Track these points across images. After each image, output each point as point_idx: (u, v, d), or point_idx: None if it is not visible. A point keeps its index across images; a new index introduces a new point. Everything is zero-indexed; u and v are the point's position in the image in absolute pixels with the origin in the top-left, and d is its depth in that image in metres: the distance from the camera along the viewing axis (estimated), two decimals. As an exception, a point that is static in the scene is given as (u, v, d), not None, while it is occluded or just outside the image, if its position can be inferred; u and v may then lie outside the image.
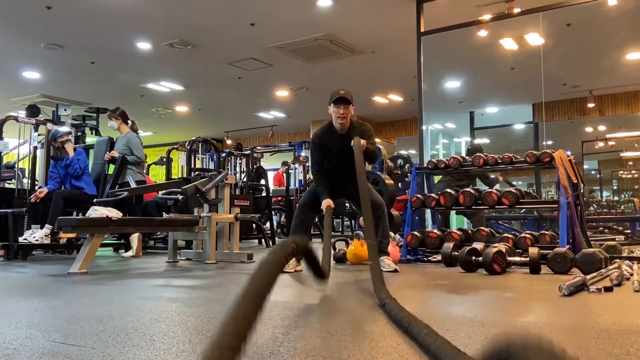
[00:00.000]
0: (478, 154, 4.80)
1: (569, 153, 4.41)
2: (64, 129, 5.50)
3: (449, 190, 4.62)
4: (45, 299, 2.56)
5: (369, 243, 2.80)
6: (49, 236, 4.76)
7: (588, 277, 2.76)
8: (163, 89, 10.00)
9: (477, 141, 9.05)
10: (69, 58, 8.11)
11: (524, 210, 6.52)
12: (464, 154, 6.53)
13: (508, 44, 6.89)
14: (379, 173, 5.01)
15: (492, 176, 6.17)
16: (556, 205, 4.15)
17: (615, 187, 10.78)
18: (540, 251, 3.54)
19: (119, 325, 1.77)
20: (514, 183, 7.53)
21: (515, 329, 1.74)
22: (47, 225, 4.76)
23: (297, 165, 10.13)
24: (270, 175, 10.07)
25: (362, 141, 3.47)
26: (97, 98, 10.17)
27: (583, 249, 3.70)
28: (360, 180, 3.14)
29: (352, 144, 3.45)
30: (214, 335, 0.85)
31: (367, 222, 2.89)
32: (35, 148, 5.64)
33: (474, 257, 3.59)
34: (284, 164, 10.66)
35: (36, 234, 4.75)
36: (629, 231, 6.94)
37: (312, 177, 4.00)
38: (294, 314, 1.99)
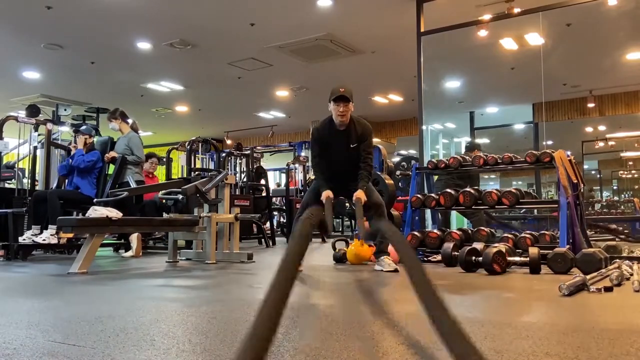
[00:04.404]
0: (478, 154, 4.80)
1: (569, 153, 4.41)
2: (83, 128, 5.58)
3: (449, 190, 4.62)
4: (45, 299, 2.55)
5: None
6: (55, 235, 4.76)
7: (588, 277, 2.76)
8: (163, 89, 9.99)
9: (477, 141, 9.04)
10: (69, 58, 8.10)
11: (524, 210, 6.51)
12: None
13: (508, 44, 6.88)
14: (378, 173, 5.01)
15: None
16: (556, 205, 4.15)
17: (615, 187, 10.78)
18: (540, 251, 3.54)
19: (119, 325, 1.76)
20: (514, 183, 7.53)
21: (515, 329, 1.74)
22: (51, 226, 4.77)
23: (297, 165, 10.13)
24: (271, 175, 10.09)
25: (361, 196, 3.52)
26: (97, 98, 10.17)
27: (583, 249, 3.70)
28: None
29: (353, 200, 3.56)
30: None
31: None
32: (35, 148, 5.64)
33: (474, 257, 3.59)
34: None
35: (43, 235, 4.75)
36: (628, 232, 6.93)
37: (312, 176, 4.04)
38: (294, 314, 1.99)
